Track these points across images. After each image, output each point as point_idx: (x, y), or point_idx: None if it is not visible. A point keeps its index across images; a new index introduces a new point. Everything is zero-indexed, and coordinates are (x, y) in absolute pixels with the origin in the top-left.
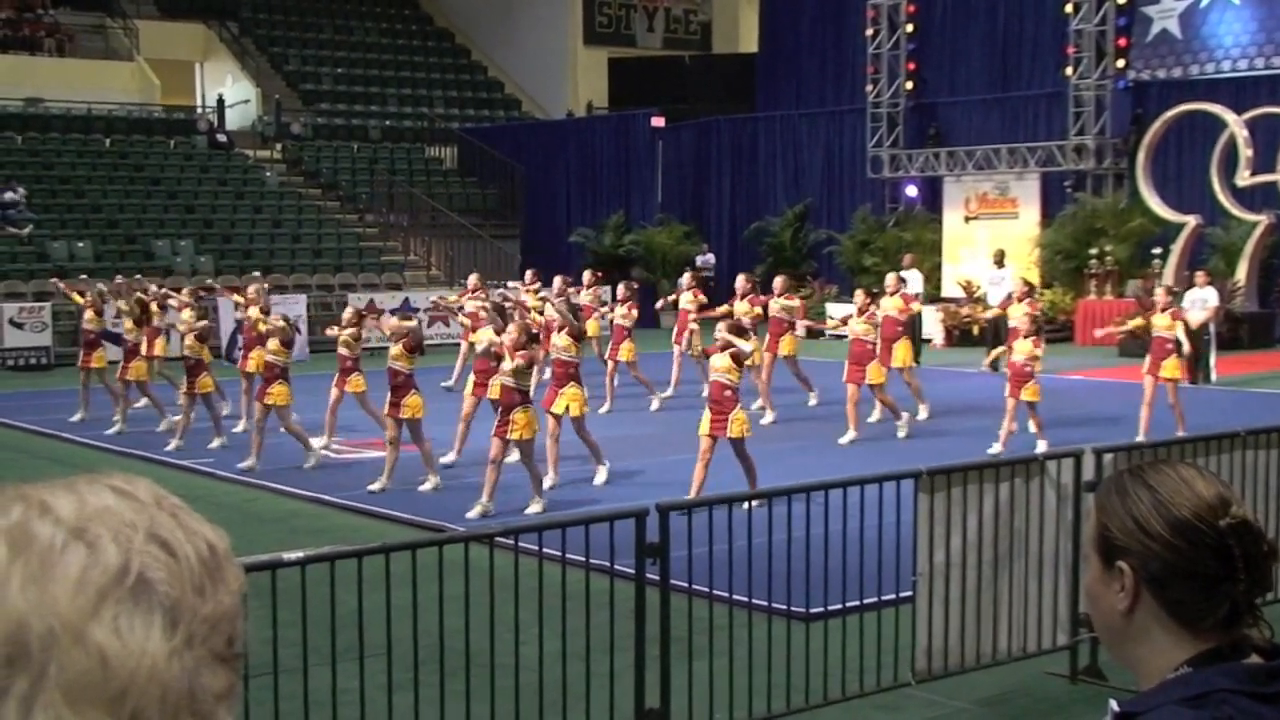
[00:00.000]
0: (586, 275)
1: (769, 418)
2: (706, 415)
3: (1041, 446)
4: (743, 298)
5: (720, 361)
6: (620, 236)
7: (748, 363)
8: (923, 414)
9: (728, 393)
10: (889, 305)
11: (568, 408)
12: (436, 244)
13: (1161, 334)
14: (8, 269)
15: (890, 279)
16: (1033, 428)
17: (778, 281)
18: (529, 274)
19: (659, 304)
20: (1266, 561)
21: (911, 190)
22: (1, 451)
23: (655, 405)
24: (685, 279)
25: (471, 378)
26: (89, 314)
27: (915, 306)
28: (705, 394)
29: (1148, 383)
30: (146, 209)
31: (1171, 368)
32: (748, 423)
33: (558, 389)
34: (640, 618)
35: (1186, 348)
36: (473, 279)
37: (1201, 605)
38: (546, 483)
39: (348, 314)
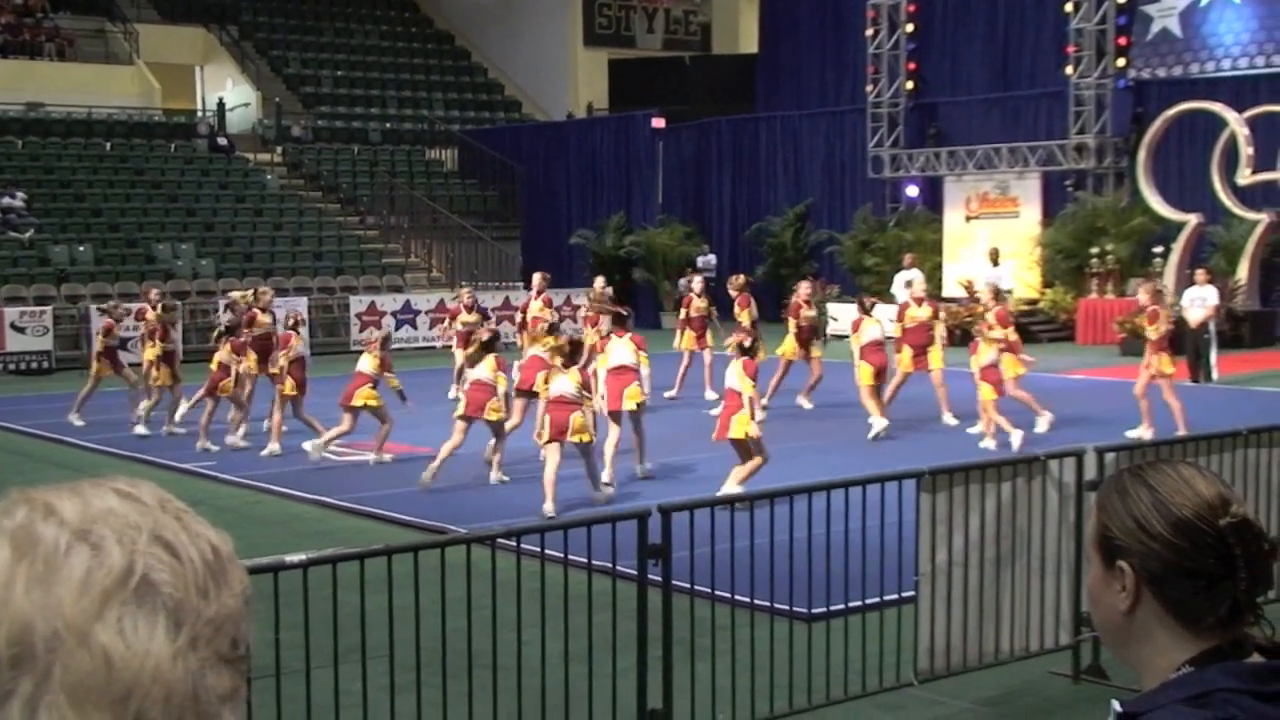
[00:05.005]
0: (537, 278)
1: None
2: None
3: (989, 444)
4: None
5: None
6: (621, 237)
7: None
8: (950, 419)
9: (739, 396)
10: (920, 312)
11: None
12: (437, 246)
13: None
14: (9, 273)
15: (918, 284)
16: (982, 426)
17: (805, 287)
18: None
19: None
20: (1267, 560)
21: (912, 190)
22: (3, 455)
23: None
24: (697, 283)
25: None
26: (106, 324)
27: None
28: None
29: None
30: (148, 213)
31: (1162, 363)
32: (750, 423)
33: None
34: (642, 619)
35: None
36: (465, 293)
37: (1203, 604)
38: (640, 470)
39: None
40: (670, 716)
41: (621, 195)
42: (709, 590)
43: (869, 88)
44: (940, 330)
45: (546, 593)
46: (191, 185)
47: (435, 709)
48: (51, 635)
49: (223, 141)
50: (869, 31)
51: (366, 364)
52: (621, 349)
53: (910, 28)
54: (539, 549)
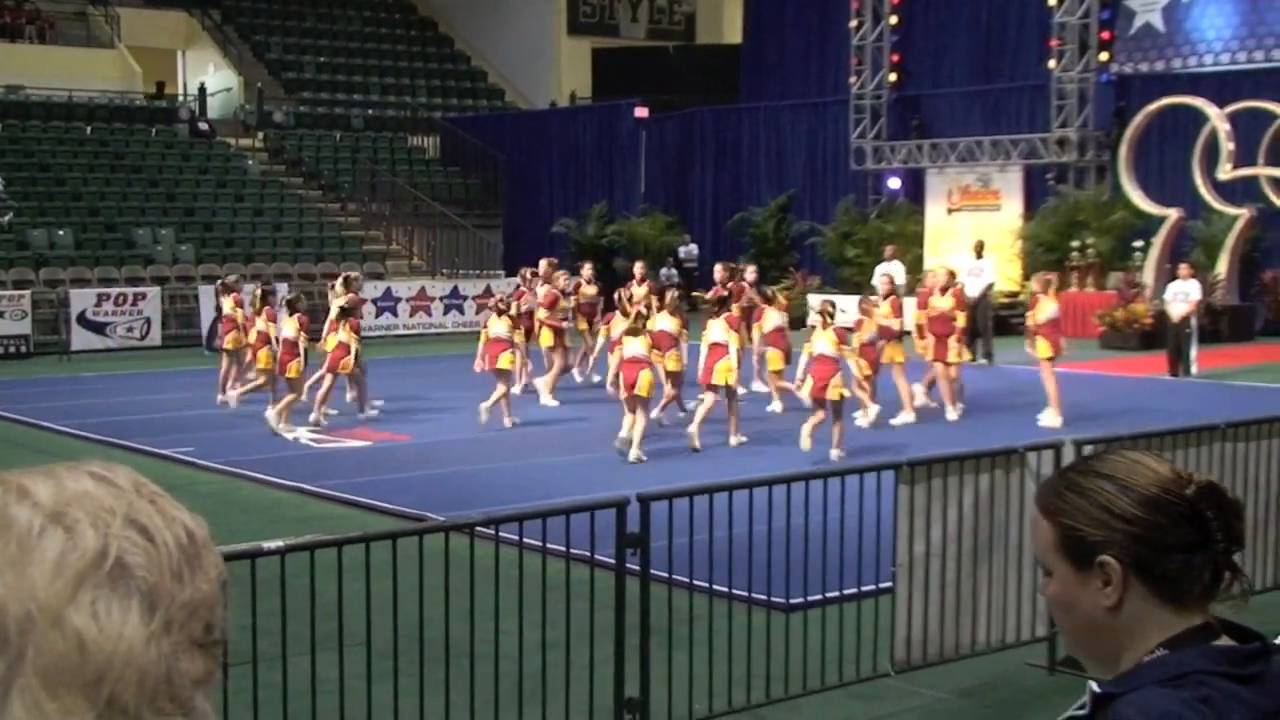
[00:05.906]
0: (543, 265)
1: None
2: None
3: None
4: (724, 286)
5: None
6: (603, 227)
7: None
8: (952, 415)
9: (831, 364)
10: (942, 303)
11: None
12: (418, 233)
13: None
14: None
15: (942, 274)
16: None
17: (932, 277)
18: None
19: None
20: (1237, 518)
21: (894, 182)
22: None
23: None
24: (750, 273)
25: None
26: (230, 304)
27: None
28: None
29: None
30: (128, 197)
31: (1038, 348)
32: (842, 386)
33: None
34: (620, 607)
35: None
36: (586, 269)
37: (1188, 575)
38: (733, 441)
39: None
40: (647, 705)
41: (604, 184)
42: (687, 580)
43: (852, 79)
44: (960, 321)
45: (524, 581)
46: (172, 170)
47: (412, 697)
48: (24, 617)
49: (204, 126)
50: (853, 23)
51: (500, 328)
52: (717, 329)
53: (894, 20)
54: (517, 537)
